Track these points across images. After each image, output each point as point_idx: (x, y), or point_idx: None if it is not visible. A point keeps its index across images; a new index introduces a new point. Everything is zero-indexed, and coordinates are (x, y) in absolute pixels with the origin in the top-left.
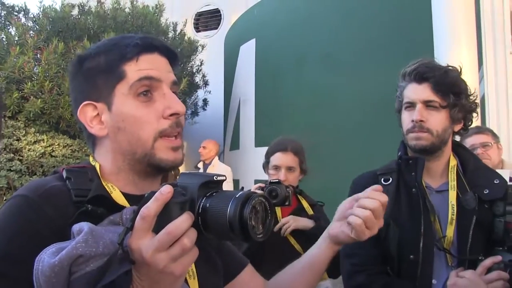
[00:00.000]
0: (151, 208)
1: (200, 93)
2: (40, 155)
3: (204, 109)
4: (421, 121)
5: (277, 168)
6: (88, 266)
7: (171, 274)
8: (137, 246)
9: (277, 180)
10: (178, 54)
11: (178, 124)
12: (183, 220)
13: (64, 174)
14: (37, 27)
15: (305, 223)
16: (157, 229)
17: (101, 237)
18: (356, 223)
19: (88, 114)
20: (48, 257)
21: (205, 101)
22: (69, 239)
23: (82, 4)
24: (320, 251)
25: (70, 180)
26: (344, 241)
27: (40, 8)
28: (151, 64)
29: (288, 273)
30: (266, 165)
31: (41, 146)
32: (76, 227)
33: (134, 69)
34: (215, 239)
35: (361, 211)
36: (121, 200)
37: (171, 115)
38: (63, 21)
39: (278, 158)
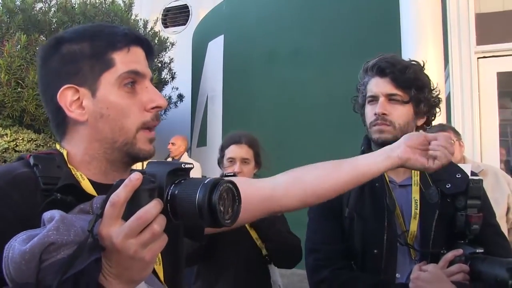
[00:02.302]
0: (120, 195)
1: (168, 89)
2: (4, 150)
3: (176, 106)
4: (384, 114)
5: (231, 160)
6: (59, 254)
7: (142, 260)
8: (107, 233)
9: (232, 173)
10: (154, 50)
11: (158, 118)
12: (153, 206)
13: (31, 160)
14: None
15: None
16: (126, 216)
17: (72, 225)
18: (444, 158)
19: (68, 98)
20: (19, 244)
21: (180, 97)
22: (36, 227)
23: None
24: (377, 163)
25: (38, 167)
26: (412, 166)
27: None
28: (136, 58)
29: (322, 167)
30: (221, 160)
31: (4, 141)
32: (47, 215)
33: (123, 60)
34: (183, 226)
35: (445, 152)
36: (89, 189)
37: (153, 108)
38: (24, 14)
39: (232, 150)
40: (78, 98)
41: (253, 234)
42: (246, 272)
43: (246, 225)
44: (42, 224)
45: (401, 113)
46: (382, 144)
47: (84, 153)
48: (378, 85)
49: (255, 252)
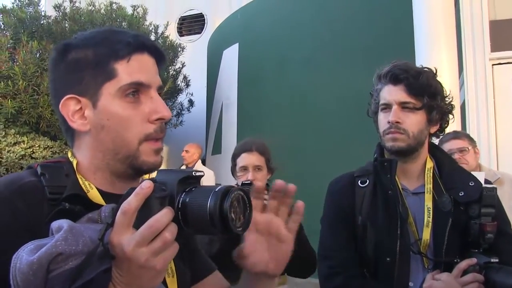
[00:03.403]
0: (131, 203)
1: (182, 96)
2: (20, 157)
3: (189, 111)
4: (397, 122)
5: (244, 169)
6: (67, 264)
7: (153, 268)
8: (118, 241)
9: (249, 182)
10: (165, 55)
11: (162, 129)
12: (164, 214)
13: (39, 170)
14: (4, 25)
15: None
16: (137, 224)
17: (80, 235)
18: None
19: (71, 108)
20: (26, 255)
21: (191, 102)
22: (43, 236)
23: (58, 5)
24: None
25: (45, 176)
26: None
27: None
28: (141, 67)
29: None
30: (233, 169)
31: (21, 148)
32: (55, 224)
33: (125, 70)
34: (194, 234)
35: None
36: (98, 198)
37: (157, 119)
38: (36, 22)
39: (244, 158)
40: (81, 108)
41: None
42: None
43: None
44: (50, 233)
45: (414, 121)
46: (396, 152)
47: (89, 162)
48: (391, 93)
49: None
